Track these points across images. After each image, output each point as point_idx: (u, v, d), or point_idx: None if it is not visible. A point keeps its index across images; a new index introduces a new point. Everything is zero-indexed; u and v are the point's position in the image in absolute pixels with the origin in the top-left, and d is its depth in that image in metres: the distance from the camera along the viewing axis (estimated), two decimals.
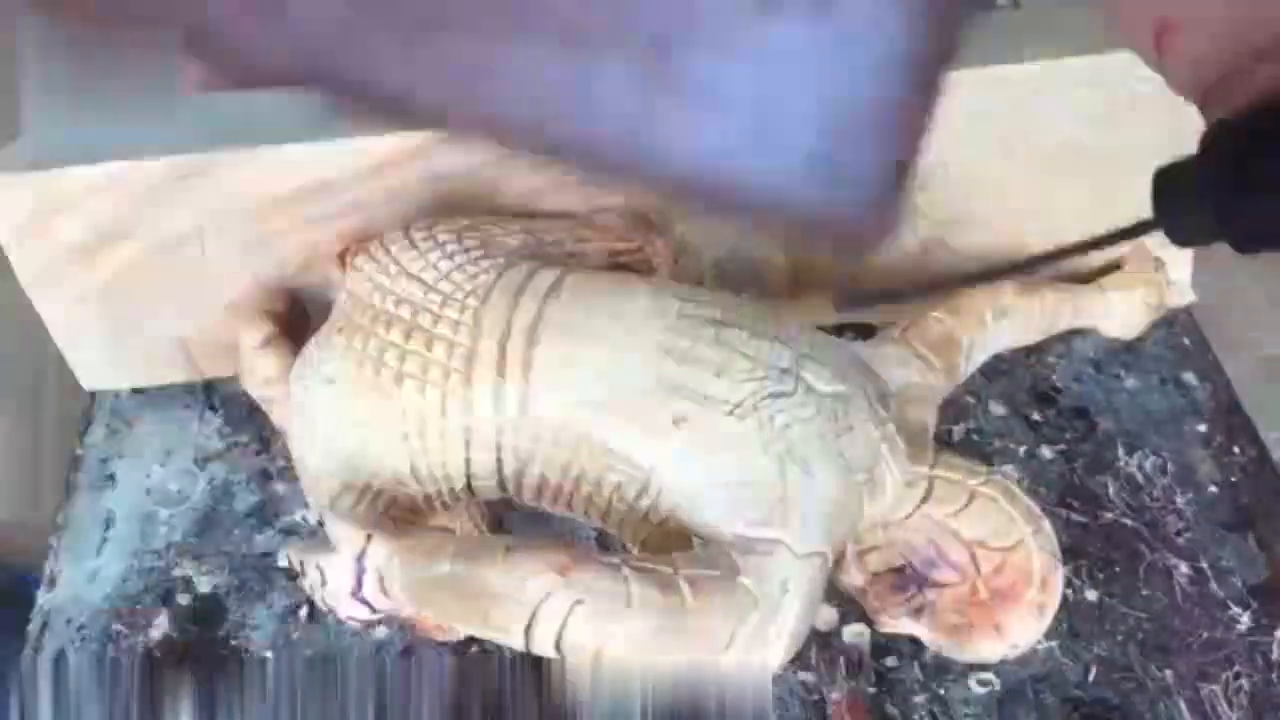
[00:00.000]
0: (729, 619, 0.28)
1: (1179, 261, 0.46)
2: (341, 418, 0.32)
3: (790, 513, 0.30)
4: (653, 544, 0.31)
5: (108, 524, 0.41)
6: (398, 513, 0.32)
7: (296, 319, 0.39)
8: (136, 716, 0.30)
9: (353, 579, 0.29)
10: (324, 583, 0.29)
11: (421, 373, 0.31)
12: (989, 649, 0.32)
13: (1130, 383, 0.45)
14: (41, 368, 0.48)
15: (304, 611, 0.38)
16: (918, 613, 0.32)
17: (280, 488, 0.41)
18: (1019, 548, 0.31)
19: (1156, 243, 0.45)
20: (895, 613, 0.32)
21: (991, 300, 0.39)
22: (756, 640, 0.29)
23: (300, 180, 0.37)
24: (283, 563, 0.30)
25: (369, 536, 0.29)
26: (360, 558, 0.29)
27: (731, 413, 0.31)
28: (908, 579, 0.32)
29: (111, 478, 0.42)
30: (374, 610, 0.29)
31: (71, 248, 0.37)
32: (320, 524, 0.30)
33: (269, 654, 0.37)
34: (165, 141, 0.36)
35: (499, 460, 0.32)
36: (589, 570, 0.27)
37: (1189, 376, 0.45)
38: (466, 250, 0.33)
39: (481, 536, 0.28)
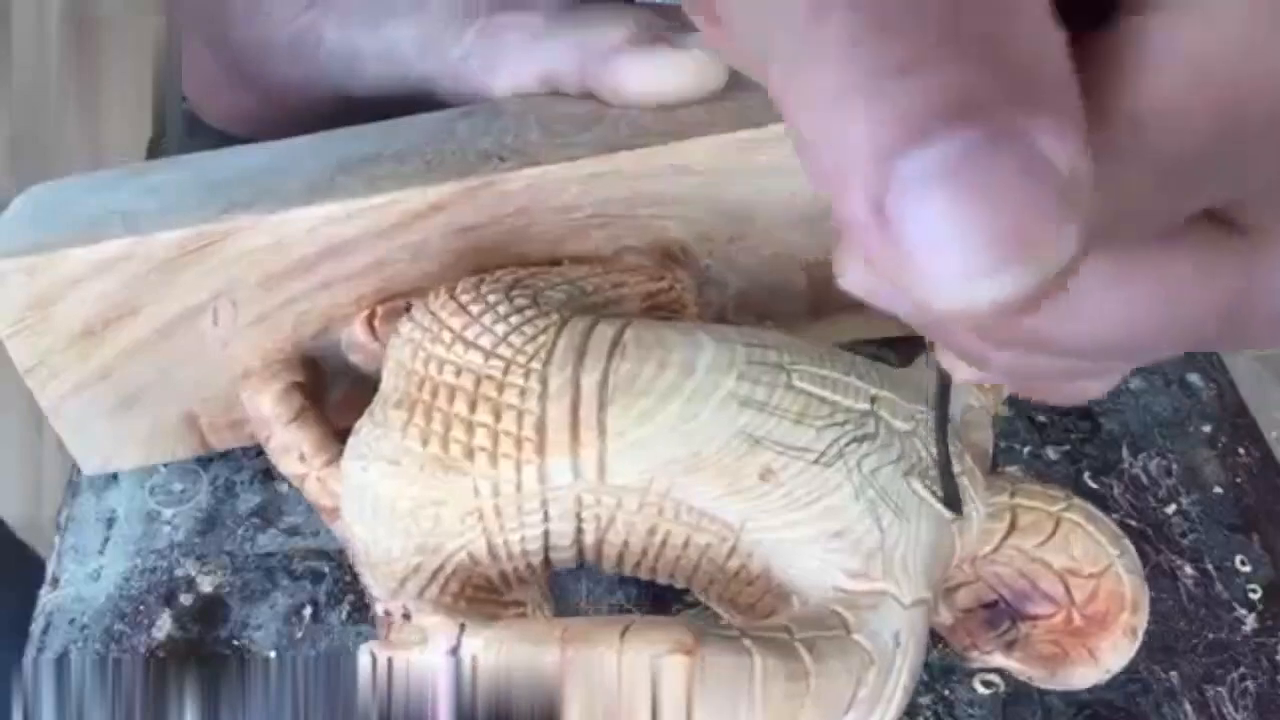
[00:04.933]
0: (850, 680, 0.27)
1: None
2: (408, 499, 0.30)
3: (890, 561, 0.29)
4: (744, 604, 0.30)
5: (110, 523, 0.40)
6: (471, 592, 0.31)
7: (312, 378, 0.37)
8: (139, 717, 0.29)
9: None
10: None
11: (492, 445, 0.29)
12: (1083, 676, 0.31)
13: (1135, 384, 0.46)
14: None
15: (308, 611, 0.37)
16: (1009, 646, 0.32)
17: (283, 487, 0.40)
18: (1108, 572, 0.31)
19: None
20: (987, 648, 0.32)
21: None
22: (874, 699, 0.28)
23: (317, 244, 0.34)
24: (364, 660, 0.28)
25: (462, 626, 0.27)
26: (454, 650, 0.27)
27: (818, 461, 0.30)
28: (1001, 613, 0.31)
29: (114, 477, 0.41)
30: None
31: (72, 333, 0.34)
32: (406, 614, 0.28)
33: (272, 654, 0.36)
34: (171, 212, 0.34)
35: (579, 529, 0.30)
36: (713, 647, 0.26)
37: (1194, 378, 0.46)
38: (519, 310, 0.31)
39: (593, 618, 0.26)
